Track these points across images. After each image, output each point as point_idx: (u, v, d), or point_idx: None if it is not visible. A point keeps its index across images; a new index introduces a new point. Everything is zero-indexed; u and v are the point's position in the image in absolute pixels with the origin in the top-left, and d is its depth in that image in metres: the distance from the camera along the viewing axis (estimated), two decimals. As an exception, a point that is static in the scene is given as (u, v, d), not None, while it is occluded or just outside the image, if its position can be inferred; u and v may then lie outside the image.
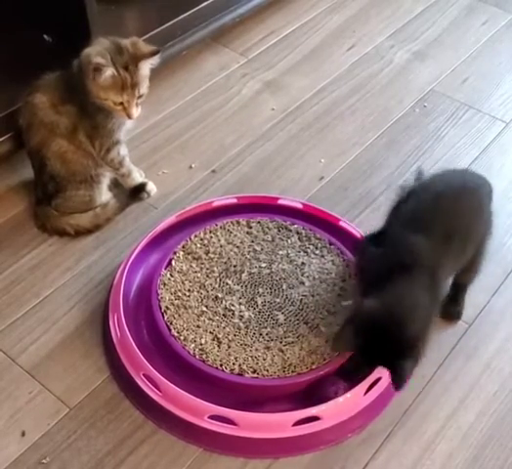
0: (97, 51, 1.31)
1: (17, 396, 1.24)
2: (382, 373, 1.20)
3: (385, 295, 1.09)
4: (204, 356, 1.23)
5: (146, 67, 1.35)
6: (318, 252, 1.40)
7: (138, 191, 1.55)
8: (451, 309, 1.36)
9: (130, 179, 1.53)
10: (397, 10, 2.13)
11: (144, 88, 1.36)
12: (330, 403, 1.16)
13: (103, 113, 1.39)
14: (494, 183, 1.63)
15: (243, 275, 1.36)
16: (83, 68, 1.32)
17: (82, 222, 1.48)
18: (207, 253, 1.39)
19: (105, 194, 1.51)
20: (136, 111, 1.37)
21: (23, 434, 1.19)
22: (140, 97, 1.36)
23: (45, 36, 1.69)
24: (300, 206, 1.50)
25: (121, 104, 1.35)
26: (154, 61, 1.36)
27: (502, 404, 1.26)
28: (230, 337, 1.26)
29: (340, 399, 1.17)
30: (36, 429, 1.20)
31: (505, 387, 1.28)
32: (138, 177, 1.55)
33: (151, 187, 1.57)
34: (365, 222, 1.54)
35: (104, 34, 1.58)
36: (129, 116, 1.37)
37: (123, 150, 1.47)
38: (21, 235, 1.49)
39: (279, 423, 1.15)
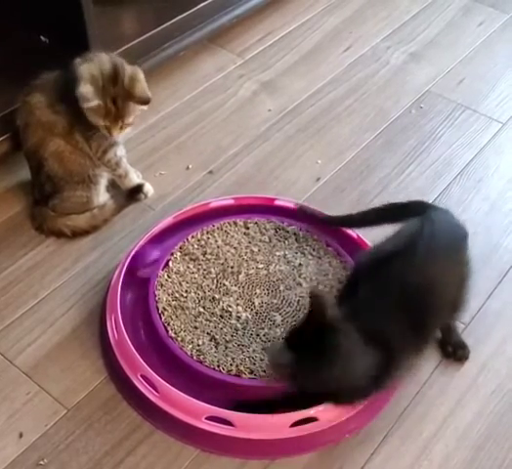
0: (91, 75, 1.31)
1: (14, 397, 1.24)
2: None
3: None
4: (202, 357, 1.24)
5: (133, 108, 1.36)
6: (315, 253, 1.41)
7: (135, 192, 1.55)
8: (451, 351, 1.31)
9: (127, 180, 1.53)
10: (393, 11, 2.13)
11: (129, 119, 1.37)
12: (328, 403, 1.16)
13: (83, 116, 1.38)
14: (491, 183, 1.66)
15: (240, 276, 1.36)
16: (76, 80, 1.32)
17: (79, 223, 1.48)
18: (204, 254, 1.39)
19: (102, 196, 1.51)
20: (118, 134, 1.38)
21: (21, 435, 1.19)
22: (123, 126, 1.37)
23: (42, 37, 1.69)
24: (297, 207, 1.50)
25: (105, 127, 1.37)
26: (143, 108, 1.37)
27: (499, 404, 1.26)
28: (227, 338, 1.26)
29: (337, 399, 1.17)
30: (34, 430, 1.20)
31: (502, 388, 1.29)
32: (135, 178, 1.55)
33: (149, 188, 1.57)
34: (362, 223, 1.55)
35: (101, 35, 1.60)
36: (110, 135, 1.38)
37: (120, 151, 1.48)
38: (19, 237, 1.49)
39: (277, 424, 1.15)
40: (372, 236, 1.49)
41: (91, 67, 1.33)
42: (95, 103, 1.31)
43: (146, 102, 1.35)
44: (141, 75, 1.36)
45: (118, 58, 1.38)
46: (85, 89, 1.30)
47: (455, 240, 1.21)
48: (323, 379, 1.05)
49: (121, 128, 1.38)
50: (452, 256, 1.19)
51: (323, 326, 1.03)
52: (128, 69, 1.35)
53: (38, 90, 1.39)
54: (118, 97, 1.33)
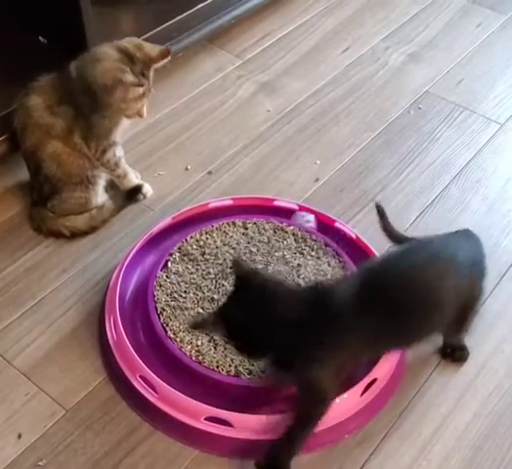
0: (116, 67, 1.31)
1: (13, 398, 1.24)
2: (378, 374, 1.21)
3: None
4: (201, 357, 1.23)
5: (155, 67, 1.37)
6: (313, 254, 1.41)
7: (134, 192, 1.55)
8: (449, 351, 1.31)
9: (126, 180, 1.53)
10: (392, 12, 2.14)
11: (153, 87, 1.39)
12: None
13: (99, 114, 1.39)
14: (489, 184, 1.66)
15: (239, 276, 1.36)
16: (103, 85, 1.32)
17: (78, 224, 1.48)
18: (203, 254, 1.39)
19: (100, 196, 1.51)
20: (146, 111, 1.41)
21: (20, 436, 1.19)
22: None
23: (40, 38, 1.69)
24: (296, 207, 1.50)
25: (138, 109, 1.37)
26: (165, 61, 1.37)
27: (498, 404, 1.26)
28: (226, 339, 1.26)
29: (337, 400, 1.17)
30: (32, 431, 1.19)
31: (501, 388, 1.29)
32: (134, 178, 1.55)
33: (147, 188, 1.57)
34: (361, 223, 1.55)
35: (99, 36, 1.60)
36: (142, 116, 1.40)
37: (119, 152, 1.48)
38: (18, 237, 1.48)
39: (276, 425, 1.15)
40: (370, 237, 1.49)
41: (108, 62, 1.32)
42: (141, 89, 1.31)
43: (166, 54, 1.34)
44: (136, 39, 1.37)
45: (106, 43, 1.38)
46: (129, 78, 1.30)
47: (465, 259, 1.17)
48: (248, 321, 1.06)
49: None
50: (455, 272, 1.15)
51: (244, 278, 1.08)
52: (127, 43, 1.35)
53: (35, 92, 1.39)
54: (143, 70, 1.32)
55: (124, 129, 1.47)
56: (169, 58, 1.36)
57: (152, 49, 1.35)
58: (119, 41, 1.37)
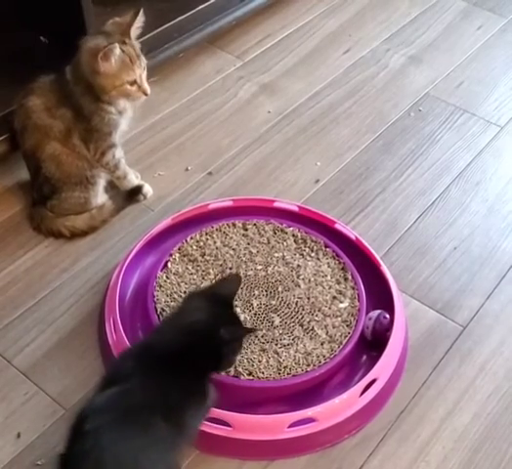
0: (92, 43, 1.32)
1: (12, 397, 1.24)
2: (378, 375, 1.21)
3: None
4: (200, 358, 1.24)
5: (135, 34, 1.37)
6: (313, 255, 1.41)
7: (134, 193, 1.55)
8: None
9: (126, 181, 1.53)
10: (392, 14, 2.14)
11: (143, 57, 1.38)
12: (326, 404, 1.17)
13: (99, 116, 1.39)
14: (489, 186, 1.66)
15: (239, 277, 1.36)
16: (88, 67, 1.33)
17: (78, 224, 1.48)
18: (203, 255, 1.39)
19: (100, 196, 1.51)
20: (148, 86, 1.39)
21: (19, 435, 1.19)
22: (145, 68, 1.38)
23: (41, 38, 1.69)
24: (296, 209, 1.50)
25: (135, 82, 1.36)
26: (140, 21, 1.37)
27: (496, 406, 1.27)
28: (225, 339, 1.26)
29: (336, 400, 1.17)
30: (32, 430, 1.19)
31: (499, 390, 1.29)
32: (134, 179, 1.55)
33: (148, 189, 1.57)
34: (361, 224, 1.55)
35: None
36: (145, 92, 1.38)
37: (118, 153, 1.48)
38: (17, 237, 1.48)
39: (275, 425, 1.16)
40: (370, 238, 1.50)
41: (89, 42, 1.33)
42: (117, 48, 1.29)
43: (136, 13, 1.35)
44: (114, 18, 1.38)
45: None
46: (103, 43, 1.30)
47: None
48: None
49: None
50: None
51: None
52: (103, 26, 1.37)
53: (35, 93, 1.40)
54: (123, 38, 1.33)
55: (123, 130, 1.47)
56: (140, 15, 1.36)
57: (123, 18, 1.37)
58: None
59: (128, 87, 1.36)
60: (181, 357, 1.02)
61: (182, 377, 1.02)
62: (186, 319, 1.08)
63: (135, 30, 1.36)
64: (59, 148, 1.41)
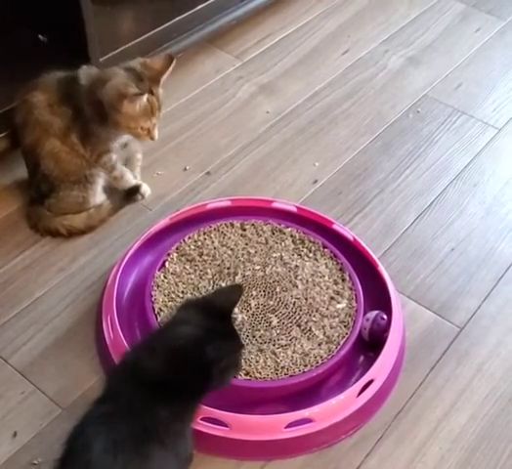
0: (122, 83, 1.32)
1: (9, 396, 1.24)
2: (375, 376, 1.21)
3: None
4: (197, 357, 1.23)
5: (163, 80, 1.37)
6: (311, 255, 1.41)
7: (132, 192, 1.55)
8: None
9: (123, 181, 1.53)
10: (391, 15, 2.14)
11: (162, 107, 1.38)
12: (323, 404, 1.17)
13: (99, 125, 1.38)
14: (487, 188, 1.67)
15: (237, 277, 1.36)
16: (110, 102, 1.32)
17: (75, 223, 1.48)
18: (201, 255, 1.39)
19: (99, 196, 1.51)
20: (157, 133, 1.39)
21: (15, 434, 1.19)
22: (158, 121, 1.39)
23: (40, 36, 1.69)
24: (294, 209, 1.50)
25: (148, 129, 1.36)
26: (171, 69, 1.37)
27: (493, 407, 1.27)
28: (223, 339, 1.26)
29: (333, 400, 1.17)
30: (28, 430, 1.19)
31: (496, 391, 1.29)
32: (131, 179, 1.54)
33: (146, 188, 1.57)
34: (359, 225, 1.55)
35: (99, 35, 1.60)
36: (153, 139, 1.39)
37: (116, 155, 1.47)
38: (14, 235, 1.48)
39: (272, 425, 1.15)
40: (368, 238, 1.50)
41: (116, 80, 1.32)
42: (145, 97, 1.30)
43: (169, 61, 1.34)
44: (141, 58, 1.37)
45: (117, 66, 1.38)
46: (132, 90, 1.30)
47: None
48: None
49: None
50: None
51: None
52: (134, 62, 1.36)
53: (39, 89, 1.39)
54: (151, 87, 1.33)
55: (123, 142, 1.47)
56: (173, 64, 1.36)
57: (155, 61, 1.36)
58: (128, 62, 1.37)
59: (139, 131, 1.37)
60: (166, 379, 0.97)
61: (169, 401, 0.97)
62: (173, 333, 1.02)
63: (165, 77, 1.37)
64: (58, 145, 1.40)
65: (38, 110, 1.38)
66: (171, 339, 1.01)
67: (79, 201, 1.48)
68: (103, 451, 0.91)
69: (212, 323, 1.03)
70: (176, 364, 0.99)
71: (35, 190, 1.48)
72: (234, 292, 1.11)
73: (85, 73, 1.38)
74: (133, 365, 1.01)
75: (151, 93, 1.33)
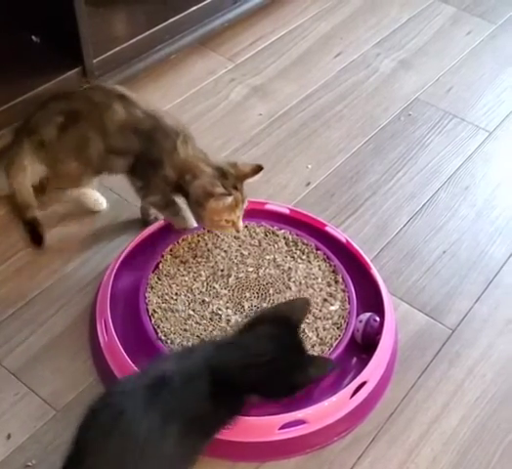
0: (208, 182, 1.31)
1: (2, 398, 1.23)
2: (368, 377, 1.22)
3: None
4: (191, 359, 1.24)
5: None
6: (304, 257, 1.41)
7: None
8: None
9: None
10: (383, 18, 2.15)
11: (246, 199, 1.37)
12: (316, 406, 1.17)
13: (170, 190, 1.37)
14: (478, 191, 1.68)
15: (230, 279, 1.36)
16: (197, 198, 1.32)
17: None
18: (195, 257, 1.40)
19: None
20: (242, 224, 1.38)
21: (9, 436, 1.19)
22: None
23: (33, 37, 1.69)
24: (287, 211, 1.51)
25: (232, 221, 1.35)
26: (257, 177, 1.36)
27: (485, 409, 1.28)
28: (217, 341, 1.27)
29: (326, 402, 1.18)
30: (22, 431, 1.19)
31: (488, 392, 1.30)
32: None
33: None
34: (351, 227, 1.56)
35: (92, 36, 1.60)
36: (237, 230, 1.37)
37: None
38: (8, 237, 1.48)
39: (266, 427, 1.16)
40: (360, 240, 1.51)
41: (203, 179, 1.32)
42: (231, 198, 1.30)
43: (258, 169, 1.35)
44: (237, 161, 1.37)
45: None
46: (219, 190, 1.30)
47: None
48: None
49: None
50: None
51: None
52: (220, 162, 1.36)
53: (123, 104, 1.35)
54: (236, 183, 1.33)
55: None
56: (261, 173, 1.36)
57: (245, 166, 1.35)
58: (217, 160, 1.37)
59: (223, 223, 1.35)
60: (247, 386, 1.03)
61: (232, 404, 1.04)
62: (263, 346, 1.05)
63: (249, 180, 1.36)
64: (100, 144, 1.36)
65: (105, 114, 1.34)
66: (262, 350, 1.04)
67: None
68: (142, 415, 0.93)
69: (294, 341, 1.08)
70: (263, 377, 1.03)
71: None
72: (303, 307, 1.13)
73: (182, 147, 1.35)
74: (211, 360, 1.03)
75: (236, 188, 1.33)
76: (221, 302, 1.32)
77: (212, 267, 1.38)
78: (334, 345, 1.27)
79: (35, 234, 1.43)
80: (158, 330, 1.27)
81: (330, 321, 1.31)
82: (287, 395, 1.09)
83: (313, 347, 1.26)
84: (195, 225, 1.43)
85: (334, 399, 1.18)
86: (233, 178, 1.33)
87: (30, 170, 1.40)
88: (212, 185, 1.31)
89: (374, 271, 1.39)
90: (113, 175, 1.43)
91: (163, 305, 1.31)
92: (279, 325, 1.07)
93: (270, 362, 1.03)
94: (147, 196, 1.43)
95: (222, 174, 1.33)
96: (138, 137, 1.35)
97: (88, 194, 1.52)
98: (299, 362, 1.06)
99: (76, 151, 1.37)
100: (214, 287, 1.35)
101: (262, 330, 1.07)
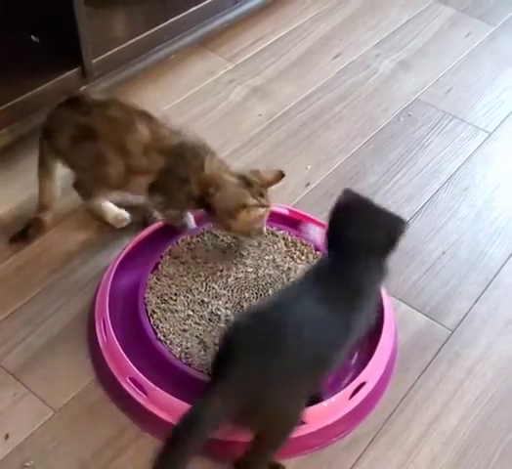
0: (240, 193, 1.31)
1: (0, 398, 1.23)
2: (367, 378, 1.22)
3: None
4: (190, 359, 1.24)
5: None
6: (303, 258, 1.41)
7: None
8: None
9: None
10: (383, 19, 2.16)
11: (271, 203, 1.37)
12: (315, 407, 1.17)
13: (192, 205, 1.37)
14: (477, 191, 1.68)
15: (230, 279, 1.36)
16: (228, 209, 1.31)
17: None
18: (194, 258, 1.39)
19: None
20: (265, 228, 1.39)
21: (7, 437, 1.18)
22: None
23: (32, 37, 1.69)
24: (286, 212, 1.51)
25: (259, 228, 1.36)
26: (279, 183, 1.36)
27: (484, 409, 1.28)
28: (215, 341, 1.26)
29: (325, 403, 1.17)
30: (20, 432, 1.19)
31: (487, 392, 1.30)
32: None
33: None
34: (351, 228, 1.56)
35: (91, 36, 1.60)
36: (262, 234, 1.39)
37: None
38: (6, 236, 1.47)
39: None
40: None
41: (229, 190, 1.32)
42: (262, 211, 1.32)
43: (280, 176, 1.35)
44: (257, 170, 1.36)
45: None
46: (251, 201, 1.30)
47: None
48: None
49: None
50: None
51: None
52: (241, 171, 1.36)
53: (145, 122, 1.33)
54: (261, 191, 1.33)
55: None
56: (282, 180, 1.36)
57: (267, 173, 1.35)
58: (239, 169, 1.37)
59: (251, 230, 1.36)
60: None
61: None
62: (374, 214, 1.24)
63: (271, 187, 1.36)
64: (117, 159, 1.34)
65: (129, 135, 1.31)
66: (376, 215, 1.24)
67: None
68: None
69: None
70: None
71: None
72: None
73: (209, 163, 1.35)
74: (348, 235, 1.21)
75: (261, 195, 1.33)
76: (220, 302, 1.32)
77: (211, 267, 1.38)
78: (333, 345, 1.27)
79: (24, 233, 1.44)
80: (157, 330, 1.27)
81: (330, 322, 1.30)
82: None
83: (312, 347, 1.26)
84: (194, 226, 1.44)
85: (333, 399, 1.18)
86: (257, 186, 1.33)
87: (54, 171, 1.42)
88: (244, 196, 1.31)
89: (374, 271, 1.39)
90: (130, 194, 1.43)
91: (162, 305, 1.31)
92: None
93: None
94: (165, 210, 1.42)
95: (246, 183, 1.33)
96: (164, 156, 1.34)
97: (108, 208, 1.50)
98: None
99: (92, 167, 1.36)
100: (213, 288, 1.34)
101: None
